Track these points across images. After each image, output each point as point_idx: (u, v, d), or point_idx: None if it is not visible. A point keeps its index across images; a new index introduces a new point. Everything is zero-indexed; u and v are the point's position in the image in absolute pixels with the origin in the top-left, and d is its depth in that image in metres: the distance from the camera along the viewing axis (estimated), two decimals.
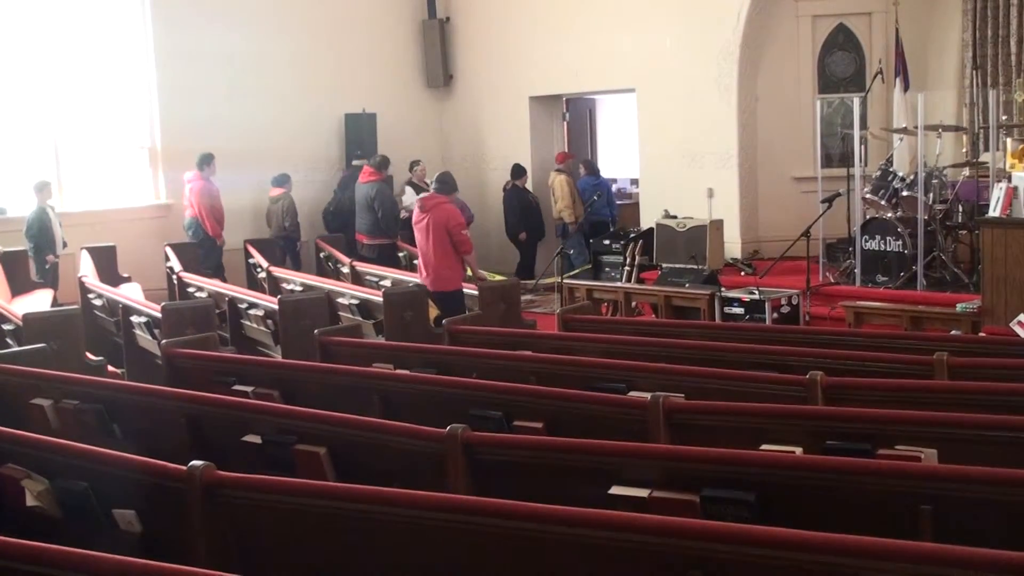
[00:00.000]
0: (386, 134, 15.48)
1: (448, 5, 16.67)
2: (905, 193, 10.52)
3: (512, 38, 15.74)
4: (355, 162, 14.93)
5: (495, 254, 15.70)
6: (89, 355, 7.53)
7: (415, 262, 12.92)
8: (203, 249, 13.49)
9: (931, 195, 10.29)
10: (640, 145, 14.71)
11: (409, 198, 14.88)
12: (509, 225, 15.68)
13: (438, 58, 16.54)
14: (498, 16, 15.95)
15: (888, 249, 10.43)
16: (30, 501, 4.00)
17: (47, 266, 12.10)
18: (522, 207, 15.55)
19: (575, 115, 16.59)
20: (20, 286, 11.31)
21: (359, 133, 15.47)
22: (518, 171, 15.51)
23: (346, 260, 12.50)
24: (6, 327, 8.47)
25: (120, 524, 3.76)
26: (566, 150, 16.18)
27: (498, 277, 12.40)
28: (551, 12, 15.20)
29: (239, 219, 14.28)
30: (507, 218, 15.70)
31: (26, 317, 7.76)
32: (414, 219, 10.20)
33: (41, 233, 12.10)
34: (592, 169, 15.57)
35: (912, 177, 10.46)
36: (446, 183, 10.21)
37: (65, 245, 12.41)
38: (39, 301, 10.60)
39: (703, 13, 13.45)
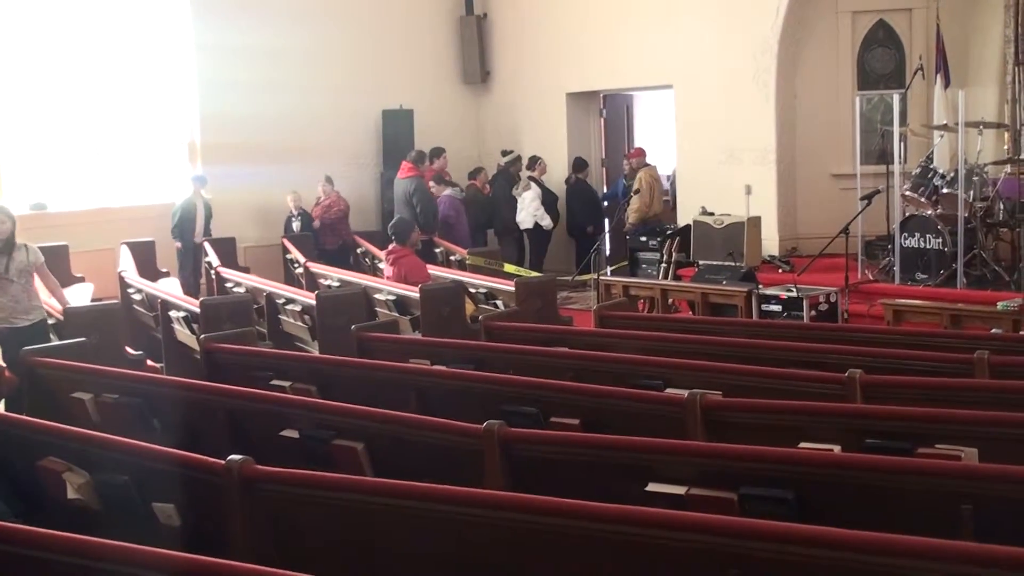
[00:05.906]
0: (423, 130, 15.50)
1: (486, 1, 16.67)
2: (945, 190, 10.43)
3: (550, 34, 15.71)
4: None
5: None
6: (129, 349, 7.59)
7: (452, 258, 12.97)
8: None
9: (972, 192, 10.21)
10: (677, 142, 14.65)
11: (532, 196, 14.80)
12: (576, 219, 15.39)
13: (475, 54, 16.54)
14: (536, 12, 15.93)
15: (928, 247, 10.34)
16: (71, 494, 4.04)
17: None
18: (589, 201, 15.42)
19: (612, 111, 16.52)
20: (60, 281, 11.34)
21: (396, 129, 15.49)
22: (580, 164, 15.39)
23: (382, 256, 12.50)
24: (47, 321, 8.55)
25: (160, 517, 3.79)
26: (603, 146, 16.14)
27: (522, 271, 12.36)
28: (589, 8, 15.16)
29: (279, 215, 14.36)
30: (573, 212, 15.46)
31: (66, 311, 7.84)
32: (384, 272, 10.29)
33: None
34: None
35: (952, 174, 10.36)
36: (399, 233, 10.19)
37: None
38: (79, 295, 10.67)
39: (741, 8, 13.38)
